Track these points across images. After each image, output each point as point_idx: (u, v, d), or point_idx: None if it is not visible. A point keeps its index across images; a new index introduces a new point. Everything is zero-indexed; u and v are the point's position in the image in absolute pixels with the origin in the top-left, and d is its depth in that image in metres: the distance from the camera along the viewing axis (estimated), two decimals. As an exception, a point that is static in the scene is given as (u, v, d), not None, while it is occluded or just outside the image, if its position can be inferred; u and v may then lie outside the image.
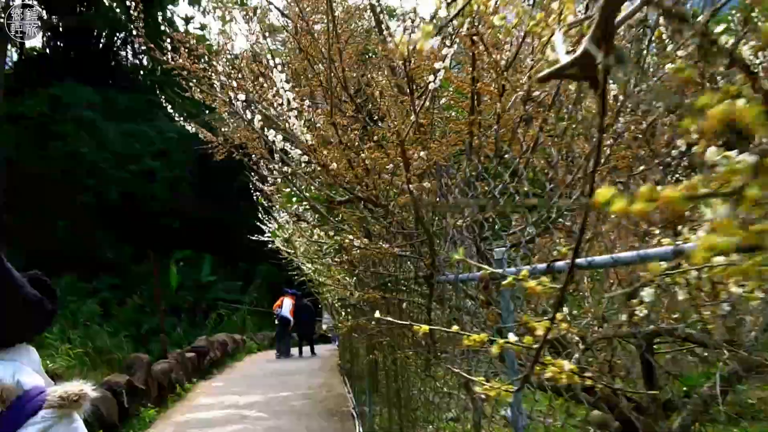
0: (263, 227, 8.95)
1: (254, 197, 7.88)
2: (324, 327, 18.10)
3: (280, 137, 2.47)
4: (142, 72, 34.39)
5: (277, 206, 6.91)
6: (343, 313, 7.07)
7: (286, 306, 17.12)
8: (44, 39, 31.08)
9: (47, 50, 31.17)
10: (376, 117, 3.28)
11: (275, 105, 2.64)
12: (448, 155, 2.64)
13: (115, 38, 32.41)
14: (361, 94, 3.76)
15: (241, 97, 2.52)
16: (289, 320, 17.07)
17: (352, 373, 9.38)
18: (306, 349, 17.70)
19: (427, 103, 2.50)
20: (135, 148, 26.20)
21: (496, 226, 2.73)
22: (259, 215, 9.37)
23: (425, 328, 0.80)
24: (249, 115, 2.51)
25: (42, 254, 22.83)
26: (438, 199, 2.63)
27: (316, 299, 14.33)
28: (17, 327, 1.59)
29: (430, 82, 2.34)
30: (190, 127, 5.02)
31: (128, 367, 8.96)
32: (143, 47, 31.19)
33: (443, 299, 2.85)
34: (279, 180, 5.23)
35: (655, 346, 3.89)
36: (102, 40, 31.80)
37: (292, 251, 7.64)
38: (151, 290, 24.18)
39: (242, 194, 27.05)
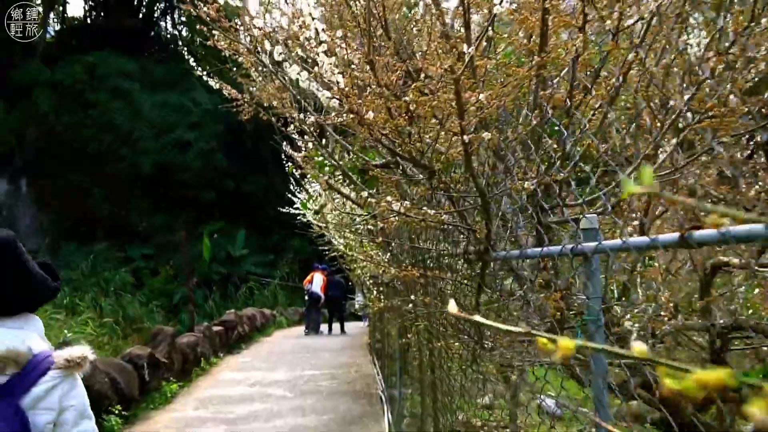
0: (294, 199, 8.57)
1: (285, 167, 7.43)
2: (356, 305, 17.65)
3: (305, 74, 2.02)
4: (180, 43, 34.26)
5: (309, 176, 6.49)
6: (375, 292, 6.63)
7: (316, 282, 16.70)
8: (86, 8, 31.13)
9: (88, 20, 31.17)
10: (420, 64, 2.79)
11: (301, 39, 2.19)
12: (510, 103, 2.15)
13: (155, 8, 32.28)
14: (404, 43, 3.27)
15: (258, 22, 2.08)
16: (319, 296, 16.68)
17: (382, 354, 8.99)
18: (336, 326, 17.33)
19: (490, 33, 2.01)
20: (170, 119, 26.11)
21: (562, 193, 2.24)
22: (291, 186, 8.99)
23: (555, 342, 0.33)
24: (268, 47, 2.06)
25: (76, 221, 23.07)
26: (497, 156, 2.15)
27: (347, 275, 13.95)
28: (25, 300, 1.89)
29: (494, 5, 1.85)
30: (214, 83, 4.58)
31: (152, 339, 8.69)
32: (182, 18, 31.02)
33: (495, 281, 2.38)
34: (310, 145, 4.78)
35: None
36: (142, 10, 31.68)
37: (323, 225, 7.24)
38: (183, 262, 24.24)
39: (275, 166, 26.89)
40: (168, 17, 33.61)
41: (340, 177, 4.70)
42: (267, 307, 20.15)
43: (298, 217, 8.54)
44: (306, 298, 17.19)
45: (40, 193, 23.52)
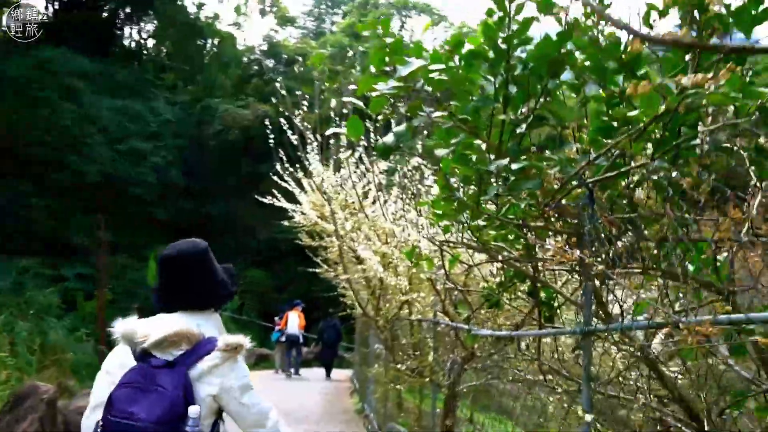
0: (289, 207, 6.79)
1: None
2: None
3: None
4: (145, 51, 32.16)
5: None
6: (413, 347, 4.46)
7: (292, 321, 15.28)
8: (45, 4, 28.79)
9: (45, 16, 28.77)
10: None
11: None
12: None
13: (119, 12, 30.08)
14: None
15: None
16: (297, 337, 15.37)
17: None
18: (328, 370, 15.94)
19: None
20: (126, 127, 23.66)
21: None
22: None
23: None
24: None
25: (11, 232, 20.28)
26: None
27: (348, 316, 12.09)
28: (210, 298, 2.34)
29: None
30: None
31: (13, 404, 5.60)
32: (150, 25, 28.91)
33: None
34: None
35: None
36: (104, 13, 29.46)
37: (332, 238, 5.25)
38: (125, 284, 21.53)
39: (242, 190, 24.57)
40: (133, 24, 31.54)
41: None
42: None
43: (293, 219, 6.73)
44: (282, 340, 15.70)
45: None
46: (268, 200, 7.39)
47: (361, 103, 1.66)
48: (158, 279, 2.34)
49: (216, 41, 33.26)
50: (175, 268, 2.29)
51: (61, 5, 28.70)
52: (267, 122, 7.34)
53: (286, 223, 7.58)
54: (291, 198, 7.13)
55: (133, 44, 32.28)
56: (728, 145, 1.60)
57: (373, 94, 1.69)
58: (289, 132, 6.44)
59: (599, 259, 1.70)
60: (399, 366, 4.35)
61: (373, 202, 5.59)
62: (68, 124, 21.68)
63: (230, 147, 26.72)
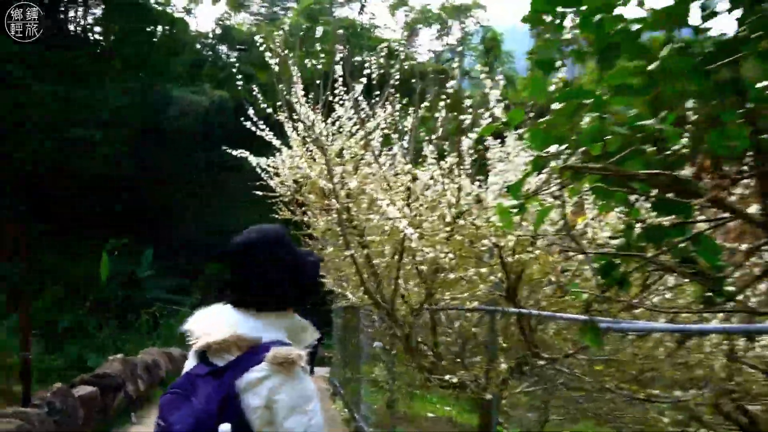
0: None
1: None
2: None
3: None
4: (91, 35, 30.48)
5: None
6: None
7: None
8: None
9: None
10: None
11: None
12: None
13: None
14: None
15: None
16: None
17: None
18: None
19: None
20: (71, 115, 22.15)
21: None
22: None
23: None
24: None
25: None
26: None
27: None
28: (276, 297, 1.97)
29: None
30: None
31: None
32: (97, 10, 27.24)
33: None
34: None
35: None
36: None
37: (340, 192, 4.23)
38: (76, 282, 20.25)
39: (200, 181, 23.35)
40: (78, 7, 29.84)
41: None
42: (176, 344, 16.32)
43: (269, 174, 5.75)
44: None
45: None
46: (237, 153, 6.31)
47: None
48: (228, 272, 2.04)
49: (167, 27, 31.74)
50: (238, 261, 1.99)
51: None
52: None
53: (259, 192, 6.45)
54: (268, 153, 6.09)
55: (79, 29, 30.54)
56: None
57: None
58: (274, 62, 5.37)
59: None
60: (447, 377, 3.35)
61: (381, 149, 4.62)
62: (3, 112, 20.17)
63: (187, 134, 25.49)
